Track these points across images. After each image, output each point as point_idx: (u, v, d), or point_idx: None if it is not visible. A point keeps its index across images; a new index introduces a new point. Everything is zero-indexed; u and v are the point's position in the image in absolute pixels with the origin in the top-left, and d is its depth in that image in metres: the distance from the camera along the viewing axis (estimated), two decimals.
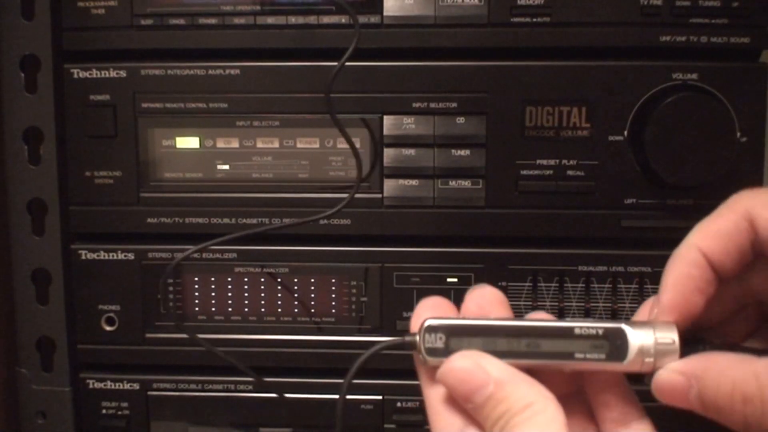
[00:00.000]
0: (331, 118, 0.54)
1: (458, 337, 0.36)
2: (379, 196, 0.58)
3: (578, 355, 0.35)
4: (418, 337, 0.36)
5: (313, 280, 0.59)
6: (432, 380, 0.36)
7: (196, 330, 0.60)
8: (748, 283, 0.37)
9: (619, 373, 0.36)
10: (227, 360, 0.56)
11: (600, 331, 0.35)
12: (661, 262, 0.56)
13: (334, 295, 0.59)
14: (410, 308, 0.59)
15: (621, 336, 0.35)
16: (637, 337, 0.35)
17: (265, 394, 0.60)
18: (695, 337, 0.35)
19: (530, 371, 0.35)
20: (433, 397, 0.36)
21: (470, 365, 0.34)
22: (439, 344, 0.36)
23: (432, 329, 0.36)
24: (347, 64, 0.53)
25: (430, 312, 0.37)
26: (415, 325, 0.37)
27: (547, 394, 0.33)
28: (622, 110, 0.56)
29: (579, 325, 0.35)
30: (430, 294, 0.58)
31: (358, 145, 0.57)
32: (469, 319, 0.37)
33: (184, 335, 0.60)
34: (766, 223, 0.33)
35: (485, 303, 0.37)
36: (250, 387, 0.60)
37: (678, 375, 0.33)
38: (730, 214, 0.34)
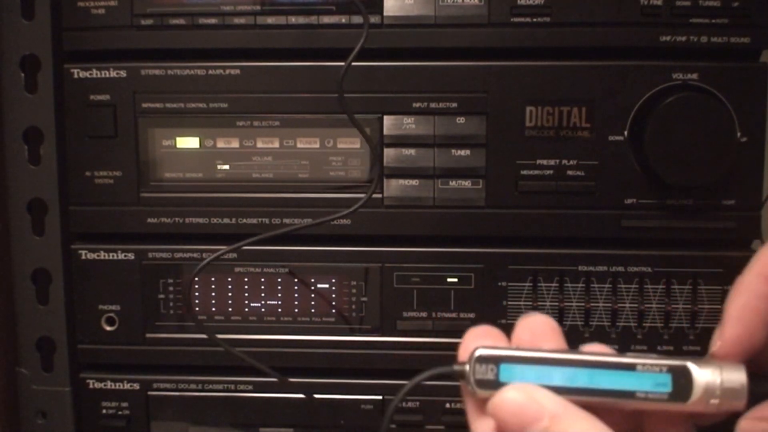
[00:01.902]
0: (348, 118, 0.54)
1: (510, 368, 0.33)
2: (379, 196, 0.58)
3: (640, 394, 0.33)
4: (467, 367, 0.34)
5: (313, 280, 0.59)
6: (480, 412, 0.34)
7: (196, 330, 0.60)
8: None
9: (683, 414, 0.34)
10: (249, 362, 0.56)
11: (664, 369, 0.33)
12: (662, 262, 0.57)
13: (334, 295, 0.59)
14: (410, 308, 0.59)
15: (686, 374, 0.33)
16: (703, 376, 0.33)
17: (265, 394, 0.60)
18: (755, 374, 0.33)
19: (587, 407, 0.32)
20: (482, 430, 0.34)
21: (524, 398, 0.32)
22: (490, 375, 0.33)
23: (483, 359, 0.34)
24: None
25: (479, 341, 0.35)
26: (463, 355, 0.35)
27: (606, 430, 0.31)
28: (622, 110, 0.56)
29: (642, 361, 0.33)
30: (430, 294, 0.58)
31: (357, 145, 0.58)
32: (522, 350, 0.34)
33: (184, 335, 0.60)
34: None
35: (538, 332, 0.35)
36: (251, 387, 0.60)
37: (762, 422, 0.31)
38: (749, 282, 0.33)
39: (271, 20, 0.57)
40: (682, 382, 0.33)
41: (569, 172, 0.57)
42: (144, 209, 0.59)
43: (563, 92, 0.56)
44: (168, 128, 0.59)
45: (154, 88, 0.58)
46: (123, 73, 0.58)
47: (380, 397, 0.60)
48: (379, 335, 0.59)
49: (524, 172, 0.57)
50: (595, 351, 0.35)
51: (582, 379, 0.33)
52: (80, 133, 0.59)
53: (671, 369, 0.33)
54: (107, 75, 0.58)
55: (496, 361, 0.33)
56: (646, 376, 0.33)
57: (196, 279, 0.60)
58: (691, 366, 0.33)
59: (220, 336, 0.59)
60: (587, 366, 0.33)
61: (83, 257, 0.60)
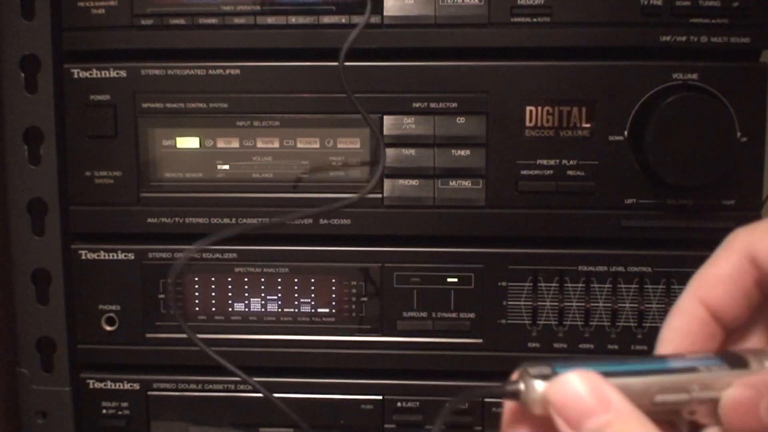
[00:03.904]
0: (350, 103, 0.53)
1: (565, 368, 0.30)
2: (379, 196, 0.58)
3: (702, 367, 0.30)
4: (522, 385, 0.30)
5: (313, 280, 0.59)
6: (516, 422, 0.31)
7: (196, 330, 0.60)
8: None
9: None
10: (220, 361, 0.55)
11: (710, 355, 0.31)
12: (662, 262, 0.57)
13: (334, 295, 0.59)
14: (410, 308, 0.59)
15: (734, 354, 0.31)
16: (756, 357, 0.31)
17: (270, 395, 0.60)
18: None
19: (652, 411, 0.30)
20: None
21: (589, 387, 0.28)
22: (546, 371, 0.30)
23: (533, 365, 0.30)
24: (347, 64, 0.53)
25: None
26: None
27: None
28: (622, 110, 0.56)
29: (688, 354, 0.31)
30: (430, 294, 0.58)
31: (357, 145, 0.58)
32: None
33: (184, 335, 0.60)
34: None
35: None
36: (251, 387, 0.60)
37: (745, 388, 0.29)
38: (729, 255, 0.31)
39: (271, 20, 0.57)
40: (736, 360, 0.31)
41: (569, 172, 0.57)
42: (144, 209, 0.59)
43: (563, 92, 0.56)
44: (168, 128, 0.59)
45: (154, 88, 0.58)
46: (123, 73, 0.58)
47: (380, 397, 0.60)
48: (379, 335, 0.59)
49: (524, 172, 0.57)
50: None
51: (640, 365, 0.30)
52: (80, 133, 0.59)
53: (720, 354, 0.31)
54: (107, 75, 0.58)
55: (549, 363, 0.30)
56: (697, 359, 0.31)
57: (194, 279, 0.60)
58: (741, 353, 0.31)
59: (220, 336, 0.59)
60: (640, 360, 0.31)
61: (83, 257, 0.60)
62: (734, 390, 0.29)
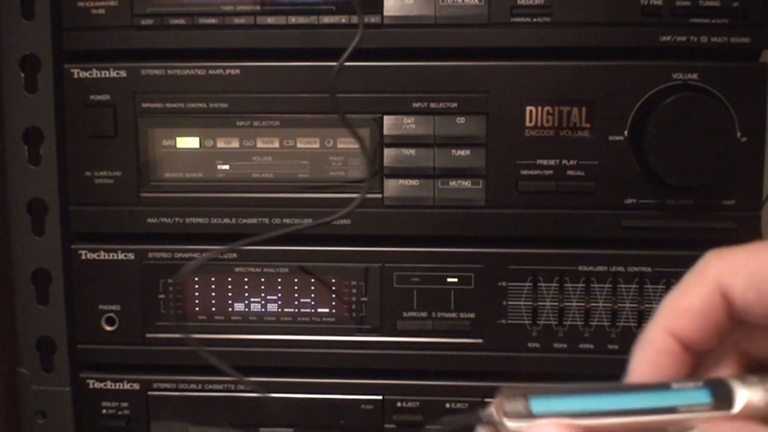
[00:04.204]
0: (339, 118, 0.54)
1: (539, 398, 0.30)
2: (379, 196, 0.58)
3: (682, 408, 0.30)
4: (494, 411, 0.30)
5: (313, 280, 0.59)
6: None
7: (196, 330, 0.60)
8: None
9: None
10: (215, 361, 0.55)
11: (699, 383, 0.31)
12: (662, 262, 0.57)
13: (334, 295, 0.59)
14: (410, 308, 0.59)
15: (723, 385, 0.30)
16: (742, 385, 0.30)
17: (264, 394, 0.60)
18: None
19: None
20: None
21: None
22: (521, 408, 0.30)
23: (509, 395, 0.31)
24: (347, 64, 0.53)
25: None
26: None
27: None
28: (622, 110, 0.56)
29: (675, 381, 0.31)
30: (430, 294, 0.58)
31: (357, 145, 0.57)
32: (545, 385, 0.32)
33: (184, 335, 0.60)
34: (740, 293, 0.30)
35: None
36: (251, 387, 0.60)
37: None
38: (700, 288, 0.30)
39: (271, 20, 0.57)
40: (723, 392, 0.30)
41: (569, 172, 0.57)
42: (144, 209, 0.59)
43: (563, 92, 0.56)
44: (168, 128, 0.59)
45: (154, 88, 0.58)
46: (123, 73, 0.58)
47: (380, 397, 0.60)
48: (379, 335, 0.59)
49: (524, 172, 0.57)
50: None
51: (616, 402, 0.30)
52: (80, 133, 0.59)
53: (707, 383, 0.31)
54: (107, 75, 0.58)
55: (524, 394, 0.31)
56: (683, 392, 0.31)
57: (194, 279, 0.60)
58: (726, 378, 0.31)
59: (220, 336, 0.59)
60: (619, 391, 0.31)
61: (83, 257, 0.60)
62: None
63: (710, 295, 0.30)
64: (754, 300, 0.29)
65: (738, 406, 0.30)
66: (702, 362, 0.32)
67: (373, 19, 0.56)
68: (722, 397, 0.30)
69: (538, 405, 0.30)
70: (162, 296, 0.60)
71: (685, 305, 0.31)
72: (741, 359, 0.32)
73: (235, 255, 0.59)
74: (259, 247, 0.59)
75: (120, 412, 0.61)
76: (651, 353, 0.31)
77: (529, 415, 0.30)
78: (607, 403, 0.30)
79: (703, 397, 0.30)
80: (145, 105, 0.58)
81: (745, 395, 0.30)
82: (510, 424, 0.30)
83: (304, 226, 0.57)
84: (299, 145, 0.58)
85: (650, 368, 0.31)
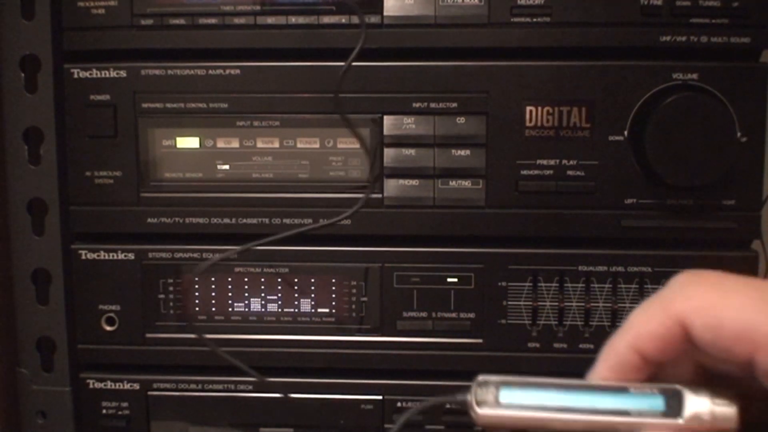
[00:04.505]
0: (340, 119, 0.54)
1: (510, 390, 0.34)
2: (380, 196, 0.58)
3: (634, 412, 0.34)
4: (469, 396, 0.35)
5: (313, 280, 0.59)
6: None
7: (196, 330, 0.60)
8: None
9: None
10: (231, 361, 0.56)
11: (656, 390, 0.34)
12: (662, 262, 0.57)
13: (334, 295, 0.59)
14: (410, 308, 0.59)
15: (677, 395, 0.34)
16: (694, 397, 0.33)
17: (265, 394, 0.60)
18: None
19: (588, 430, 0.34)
20: None
21: None
22: (490, 397, 0.34)
23: (483, 383, 0.35)
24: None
25: None
26: None
27: None
28: (622, 110, 0.56)
29: (634, 385, 0.34)
30: (430, 294, 0.58)
31: (357, 145, 0.57)
32: (519, 377, 0.35)
33: (184, 335, 0.60)
34: (699, 334, 0.32)
35: None
36: (251, 387, 0.60)
37: None
38: (663, 317, 0.33)
39: (271, 20, 0.57)
40: (674, 402, 0.34)
41: (569, 172, 0.57)
42: (144, 209, 0.59)
43: (563, 92, 0.56)
44: (168, 128, 0.59)
45: (154, 88, 0.58)
46: (123, 73, 0.58)
47: (380, 397, 0.60)
48: (379, 335, 0.59)
49: (524, 172, 0.57)
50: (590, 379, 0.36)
51: (579, 400, 0.34)
52: (80, 133, 0.59)
53: (663, 390, 0.34)
54: (107, 75, 0.58)
55: (497, 384, 0.35)
56: (640, 397, 0.34)
57: (195, 279, 0.60)
58: (682, 388, 0.34)
59: (219, 336, 0.59)
60: (583, 389, 0.34)
61: (83, 257, 0.60)
62: None
63: (672, 325, 0.33)
64: (710, 342, 0.32)
65: (685, 417, 0.33)
66: (662, 367, 0.35)
67: (373, 19, 0.56)
68: (673, 406, 0.33)
69: (506, 396, 0.34)
70: (162, 296, 0.60)
71: (649, 330, 0.33)
72: (697, 369, 0.35)
73: (235, 255, 0.59)
74: (259, 247, 0.59)
75: (120, 412, 0.61)
76: (615, 362, 0.34)
77: (498, 405, 0.34)
78: (569, 400, 0.34)
79: (656, 404, 0.33)
80: (145, 105, 0.58)
81: (693, 407, 0.33)
82: (479, 410, 0.34)
83: (319, 225, 0.57)
84: (299, 145, 0.58)
85: (612, 373, 0.35)
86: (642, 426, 0.34)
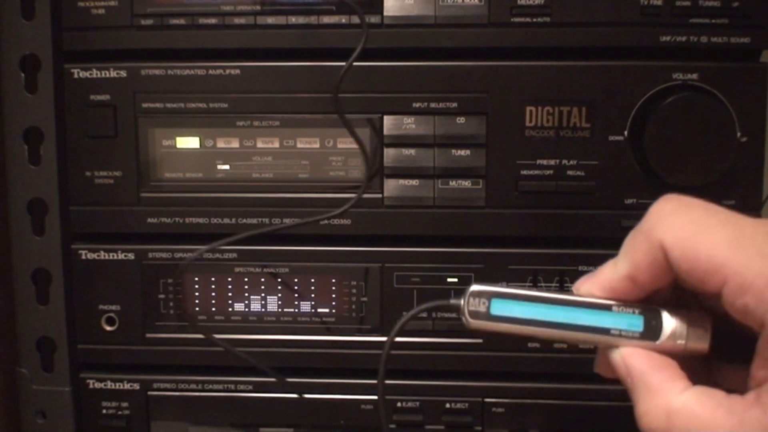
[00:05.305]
0: (339, 118, 0.54)
1: (501, 303, 0.38)
2: (379, 196, 0.58)
3: (614, 331, 0.37)
4: (462, 301, 0.38)
5: (313, 280, 0.59)
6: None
7: (196, 330, 0.60)
8: None
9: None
10: (249, 361, 0.56)
11: (637, 311, 0.37)
12: None
13: (334, 295, 0.59)
14: (410, 308, 0.59)
15: (656, 317, 0.37)
16: (672, 320, 0.36)
17: (265, 394, 0.60)
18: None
19: (568, 341, 0.38)
20: None
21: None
22: (482, 308, 0.38)
23: (476, 294, 0.38)
24: (346, 64, 0.53)
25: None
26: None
27: None
28: (622, 110, 0.56)
29: (617, 303, 0.37)
30: (430, 294, 0.58)
31: (357, 146, 0.57)
32: (510, 287, 0.38)
33: (184, 335, 0.60)
34: (675, 261, 0.35)
35: None
36: (251, 387, 0.60)
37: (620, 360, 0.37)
38: (646, 245, 0.36)
39: (271, 20, 0.57)
40: (653, 323, 0.37)
41: (569, 172, 0.57)
42: (144, 209, 0.59)
43: (563, 92, 0.56)
44: (168, 128, 0.59)
45: (154, 88, 0.58)
46: (123, 73, 0.58)
47: None
48: (379, 335, 0.59)
49: (524, 172, 0.57)
50: (579, 294, 0.38)
51: (564, 315, 0.37)
52: (80, 133, 0.59)
53: (643, 311, 0.37)
54: (107, 75, 0.58)
55: (488, 296, 0.38)
56: (621, 316, 0.37)
57: (194, 279, 0.60)
58: (662, 310, 0.37)
59: (218, 336, 0.59)
60: (569, 305, 0.37)
61: (83, 257, 0.60)
62: (617, 357, 0.37)
63: (655, 251, 0.35)
64: (685, 271, 0.34)
65: (661, 339, 0.36)
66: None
67: (373, 19, 0.56)
68: (651, 328, 0.37)
69: (497, 308, 0.38)
70: (162, 296, 0.60)
71: (638, 258, 0.36)
72: (677, 287, 0.37)
73: (235, 255, 0.59)
74: (259, 247, 0.59)
75: (120, 412, 0.61)
76: (607, 285, 0.37)
77: (488, 318, 0.38)
78: (555, 315, 0.37)
79: (635, 323, 0.37)
80: (145, 105, 0.58)
81: (670, 329, 0.36)
82: (471, 320, 0.38)
83: (294, 224, 0.57)
84: (299, 145, 0.58)
85: (603, 293, 0.37)
86: (618, 344, 0.37)
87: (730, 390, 0.34)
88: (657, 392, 0.35)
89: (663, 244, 0.35)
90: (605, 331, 0.37)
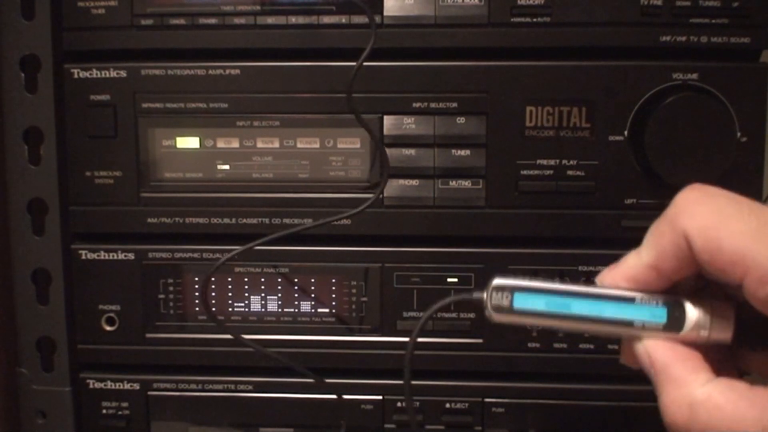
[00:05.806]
0: (355, 118, 0.54)
1: (523, 297, 0.38)
2: (379, 196, 0.58)
3: (637, 323, 0.37)
4: (485, 295, 0.38)
5: (313, 280, 0.59)
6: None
7: (196, 330, 0.60)
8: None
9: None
10: (281, 361, 0.56)
11: (660, 302, 0.37)
12: None
13: (334, 295, 0.59)
14: (410, 308, 0.59)
15: (680, 308, 0.36)
16: (695, 311, 0.36)
17: (265, 394, 0.60)
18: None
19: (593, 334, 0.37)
20: None
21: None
22: (505, 302, 0.38)
23: (499, 288, 0.38)
24: (348, 64, 0.53)
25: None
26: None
27: None
28: (622, 110, 0.56)
29: (641, 295, 0.37)
30: (430, 294, 0.58)
31: (357, 145, 0.58)
32: (534, 281, 0.38)
33: (184, 335, 0.60)
34: (697, 251, 0.34)
35: None
36: (251, 387, 0.60)
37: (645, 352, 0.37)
38: (671, 234, 0.36)
39: (271, 20, 0.57)
40: (676, 314, 0.36)
41: (569, 172, 0.57)
42: (144, 209, 0.59)
43: (563, 92, 0.56)
44: (168, 128, 0.59)
45: (154, 88, 0.58)
46: (123, 73, 0.58)
47: (380, 397, 0.60)
48: (379, 335, 0.59)
49: (524, 172, 0.57)
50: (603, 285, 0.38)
51: (587, 307, 0.37)
52: (80, 133, 0.59)
53: (667, 302, 0.37)
54: (107, 75, 0.58)
55: (511, 289, 0.38)
56: (644, 308, 0.37)
57: (194, 279, 0.60)
58: (685, 301, 0.37)
59: (219, 336, 0.59)
60: (592, 297, 0.37)
61: (83, 257, 0.60)
62: (641, 348, 0.37)
63: (678, 240, 0.35)
64: (707, 261, 0.34)
65: (684, 330, 0.36)
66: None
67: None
68: (675, 319, 0.36)
69: (520, 302, 0.38)
70: (162, 296, 0.60)
71: (662, 246, 0.36)
72: (700, 276, 0.37)
73: (235, 255, 0.59)
74: (259, 248, 0.59)
75: (120, 412, 0.61)
76: (630, 278, 0.37)
77: (511, 311, 0.38)
78: (578, 307, 0.37)
79: (658, 315, 0.36)
80: (145, 105, 0.58)
81: (693, 320, 0.36)
82: (495, 314, 0.38)
83: (316, 224, 0.57)
84: (299, 145, 0.58)
85: (627, 284, 0.37)
86: (642, 335, 0.37)
87: (755, 378, 0.35)
88: (680, 384, 0.35)
89: (686, 232, 0.35)
90: (629, 323, 0.37)
